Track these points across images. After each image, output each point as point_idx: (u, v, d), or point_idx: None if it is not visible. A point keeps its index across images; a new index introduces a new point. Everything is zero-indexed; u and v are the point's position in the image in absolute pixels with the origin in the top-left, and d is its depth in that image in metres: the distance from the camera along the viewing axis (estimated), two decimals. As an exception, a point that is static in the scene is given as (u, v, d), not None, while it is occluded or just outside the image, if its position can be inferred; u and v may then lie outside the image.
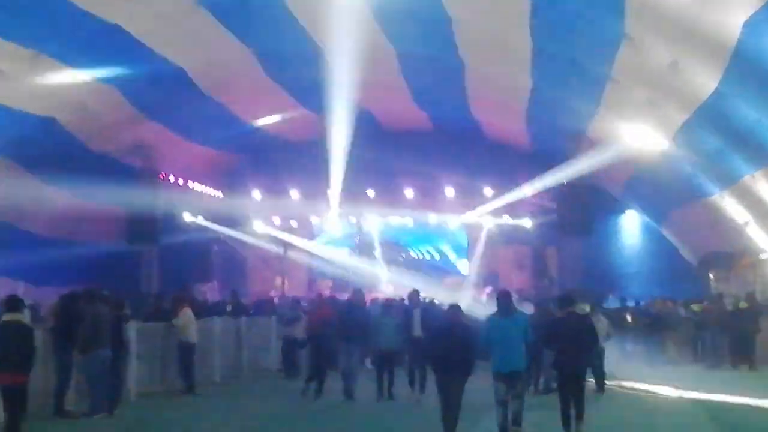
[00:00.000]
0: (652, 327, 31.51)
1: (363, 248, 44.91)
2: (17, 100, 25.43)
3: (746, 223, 28.94)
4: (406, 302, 23.38)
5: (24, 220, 33.23)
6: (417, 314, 20.67)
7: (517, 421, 15.83)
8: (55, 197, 32.59)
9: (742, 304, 29.23)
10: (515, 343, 16.07)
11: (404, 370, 20.91)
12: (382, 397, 19.99)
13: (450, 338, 16.27)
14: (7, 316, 15.43)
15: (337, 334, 21.07)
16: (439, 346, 16.60)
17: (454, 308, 18.15)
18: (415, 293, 22.13)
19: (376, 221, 44.75)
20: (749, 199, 27.36)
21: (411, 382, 20.16)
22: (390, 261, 44.09)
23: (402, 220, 44.51)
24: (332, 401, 19.96)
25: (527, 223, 41.70)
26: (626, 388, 23.39)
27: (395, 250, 44.76)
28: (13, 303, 15.48)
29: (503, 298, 17.12)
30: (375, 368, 20.65)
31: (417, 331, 20.33)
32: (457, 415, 15.77)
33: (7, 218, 32.05)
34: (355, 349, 20.78)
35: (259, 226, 44.33)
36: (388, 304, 23.15)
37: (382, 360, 20.33)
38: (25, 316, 18.18)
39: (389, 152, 38.40)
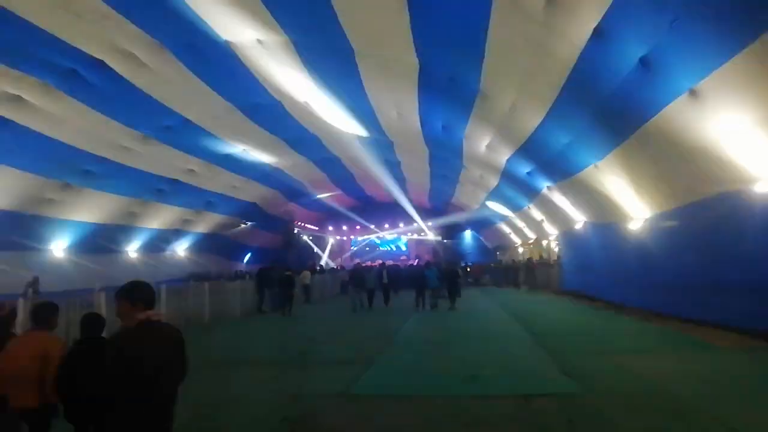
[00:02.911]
0: (479, 272, 32.31)
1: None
2: (243, 196, 25.38)
3: (542, 221, 22.96)
4: (378, 266, 22.71)
5: (247, 241, 33.00)
6: (384, 272, 20.21)
7: (435, 305, 17.60)
8: (255, 231, 32.46)
9: (510, 262, 30.12)
10: (432, 279, 17.90)
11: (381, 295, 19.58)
12: (370, 308, 18.34)
13: (420, 277, 18.09)
14: (288, 272, 18.23)
15: (350, 282, 19.61)
16: (417, 280, 18.23)
17: (419, 266, 20.43)
18: (382, 263, 21.79)
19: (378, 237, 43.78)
20: (546, 205, 20.05)
21: (384, 300, 19.32)
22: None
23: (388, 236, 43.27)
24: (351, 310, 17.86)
25: (431, 236, 41.28)
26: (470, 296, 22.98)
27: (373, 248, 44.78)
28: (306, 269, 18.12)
29: (428, 262, 19.43)
30: (367, 295, 18.72)
31: (385, 279, 19.76)
32: (424, 302, 17.53)
33: (239, 240, 31.89)
34: (360, 288, 18.66)
35: (330, 240, 43.04)
36: (369, 268, 21.60)
37: (369, 292, 18.74)
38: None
39: (375, 211, 38.88)
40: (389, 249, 44.09)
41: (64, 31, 9.93)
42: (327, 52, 11.94)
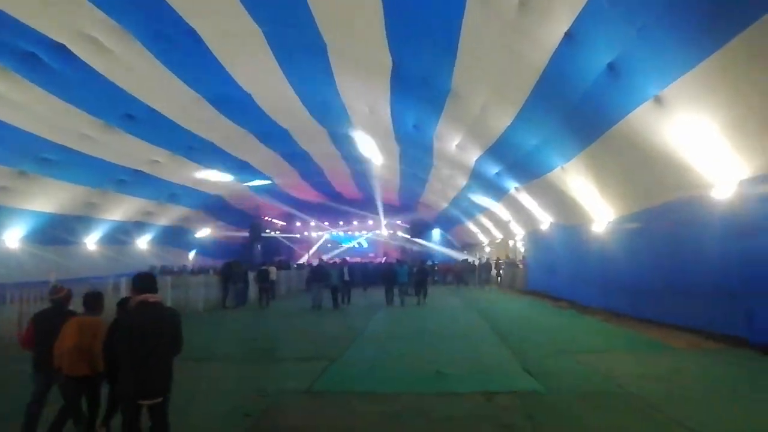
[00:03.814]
0: (446, 270, 31.81)
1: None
2: (208, 188, 25.08)
3: (508, 222, 23.29)
4: (339, 262, 21.38)
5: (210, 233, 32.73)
6: (345, 269, 18.82)
7: (403, 302, 17.85)
8: (221, 225, 32.37)
9: (476, 261, 30.00)
10: (402, 275, 18.21)
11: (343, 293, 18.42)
12: (335, 307, 17.30)
13: (389, 273, 18.34)
14: (264, 266, 18.78)
15: (312, 279, 19.28)
16: (386, 276, 18.53)
17: (389, 264, 20.47)
18: (343, 260, 21.15)
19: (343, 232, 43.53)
20: (513, 206, 20.21)
21: (344, 300, 18.33)
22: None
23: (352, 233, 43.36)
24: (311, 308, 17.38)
25: (400, 233, 41.52)
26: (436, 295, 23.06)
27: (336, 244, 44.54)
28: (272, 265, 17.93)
29: (399, 260, 19.58)
30: (331, 293, 17.66)
31: (346, 276, 18.58)
32: (393, 297, 17.78)
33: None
34: (320, 284, 17.95)
35: (298, 236, 42.35)
36: (334, 264, 20.96)
37: (333, 289, 17.68)
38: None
39: (347, 205, 37.85)
40: (355, 246, 43.69)
41: (23, 12, 9.53)
42: (299, 45, 11.84)
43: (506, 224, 24.22)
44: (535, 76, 9.89)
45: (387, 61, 11.82)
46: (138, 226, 24.91)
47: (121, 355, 3.77)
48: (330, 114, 17.25)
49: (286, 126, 18.96)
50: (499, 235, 28.28)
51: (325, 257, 36.24)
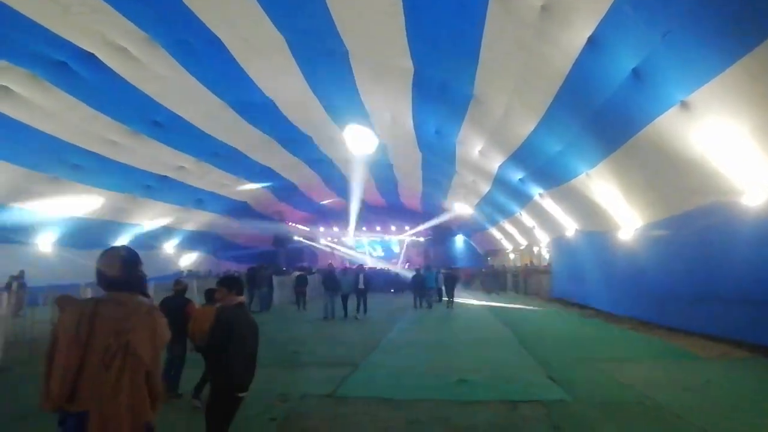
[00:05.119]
0: (470, 277, 31.93)
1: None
2: (234, 194, 25.41)
3: (533, 228, 22.82)
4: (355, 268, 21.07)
5: (235, 238, 32.86)
6: (362, 276, 17.31)
7: (431, 305, 18.63)
8: (246, 230, 31.88)
9: (500, 268, 29.91)
10: (430, 280, 18.77)
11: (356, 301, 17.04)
12: (345, 316, 16.50)
13: (420, 280, 18.92)
14: (297, 272, 19.08)
15: (322, 286, 17.91)
16: (417, 283, 19.27)
17: (420, 270, 20.48)
18: (361, 266, 20.04)
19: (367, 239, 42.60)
20: (537, 212, 19.90)
21: (357, 308, 16.86)
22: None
23: (374, 238, 42.38)
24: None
25: (421, 239, 40.89)
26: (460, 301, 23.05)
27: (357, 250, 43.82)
28: (304, 269, 17.91)
29: (426, 266, 19.81)
30: (341, 301, 16.95)
31: (361, 284, 17.13)
32: (422, 301, 18.47)
33: (228, 237, 31.92)
34: (331, 292, 16.74)
35: (322, 241, 41.71)
36: (345, 270, 19.96)
37: (344, 298, 16.96)
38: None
39: (372, 214, 37.72)
40: (372, 251, 43.24)
41: (55, 22, 9.82)
42: (321, 51, 11.94)
43: (530, 230, 23.97)
44: (559, 81, 9.80)
45: (408, 66, 11.84)
46: (165, 231, 25.33)
47: (228, 350, 4.15)
48: (352, 119, 17.32)
49: (309, 132, 19.10)
50: (523, 242, 27.98)
51: (345, 263, 36.28)
